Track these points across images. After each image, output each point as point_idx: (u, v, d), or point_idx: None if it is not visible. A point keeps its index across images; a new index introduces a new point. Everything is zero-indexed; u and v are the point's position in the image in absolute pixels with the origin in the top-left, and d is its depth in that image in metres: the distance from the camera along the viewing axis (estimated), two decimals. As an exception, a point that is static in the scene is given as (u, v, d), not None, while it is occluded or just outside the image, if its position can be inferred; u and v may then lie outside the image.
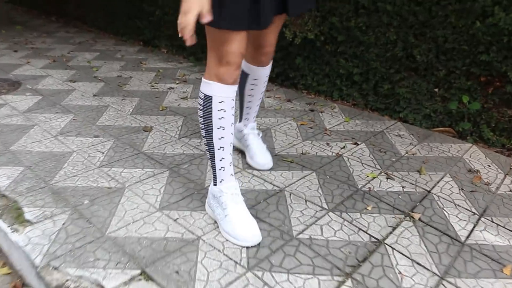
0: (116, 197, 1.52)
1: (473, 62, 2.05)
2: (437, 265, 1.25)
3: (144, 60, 3.44)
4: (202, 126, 1.28)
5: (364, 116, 2.38)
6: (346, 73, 2.59)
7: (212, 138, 1.27)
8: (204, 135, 1.28)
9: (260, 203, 1.51)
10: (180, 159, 1.82)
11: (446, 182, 1.70)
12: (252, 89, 1.64)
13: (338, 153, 1.92)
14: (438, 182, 1.69)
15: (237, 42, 1.15)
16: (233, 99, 1.25)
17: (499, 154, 1.99)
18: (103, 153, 1.85)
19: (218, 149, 1.28)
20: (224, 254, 1.24)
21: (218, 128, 1.25)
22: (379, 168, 1.79)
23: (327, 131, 2.17)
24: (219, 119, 1.24)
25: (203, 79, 1.25)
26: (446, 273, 1.22)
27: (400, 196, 1.58)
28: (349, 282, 1.16)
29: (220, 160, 1.30)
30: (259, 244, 1.28)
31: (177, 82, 2.91)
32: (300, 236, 1.33)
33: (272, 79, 2.97)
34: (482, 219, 1.48)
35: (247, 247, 1.27)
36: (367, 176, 1.72)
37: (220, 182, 1.33)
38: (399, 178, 1.71)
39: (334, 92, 2.69)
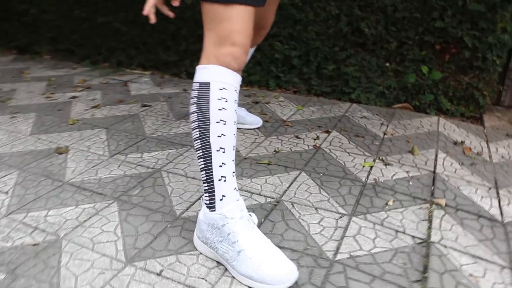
0: (52, 257, 0.99)
1: (426, 30, 1.94)
2: (498, 254, 1.04)
3: (26, 69, 2.72)
4: (196, 124, 0.89)
5: (315, 102, 2.13)
6: (282, 57, 2.32)
7: (208, 137, 0.88)
8: (198, 135, 0.89)
9: (263, 224, 1.13)
10: (124, 183, 1.34)
11: (443, 159, 1.52)
12: None
13: (315, 145, 1.62)
14: (435, 160, 1.51)
15: (241, 19, 0.87)
16: (236, 91, 0.89)
17: (466, 123, 1.91)
18: (7, 193, 1.26)
19: (217, 150, 0.88)
20: (257, 310, 0.84)
21: (217, 122, 0.87)
22: (369, 154, 1.54)
23: (286, 122, 1.86)
24: (219, 109, 0.86)
25: (197, 67, 0.91)
26: (513, 263, 1.02)
27: (410, 183, 1.35)
28: (430, 307, 0.87)
29: (220, 166, 0.90)
30: (296, 282, 0.90)
31: (79, 89, 2.32)
32: (339, 257, 0.99)
33: (190, 75, 2.57)
34: (500, 192, 1.33)
35: (284, 291, 0.88)
36: (363, 166, 1.46)
37: (221, 200, 0.92)
38: (396, 162, 1.49)
39: (270, 80, 2.40)
